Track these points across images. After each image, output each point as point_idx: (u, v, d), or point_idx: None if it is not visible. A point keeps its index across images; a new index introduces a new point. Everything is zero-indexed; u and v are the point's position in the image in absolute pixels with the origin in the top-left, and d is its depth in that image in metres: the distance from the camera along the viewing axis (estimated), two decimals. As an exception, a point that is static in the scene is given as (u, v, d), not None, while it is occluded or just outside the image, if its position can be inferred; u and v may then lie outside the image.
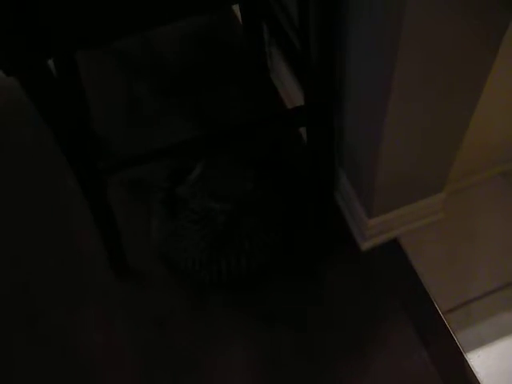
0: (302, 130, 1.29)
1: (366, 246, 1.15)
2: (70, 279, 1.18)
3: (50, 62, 1.07)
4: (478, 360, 1.03)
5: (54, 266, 1.19)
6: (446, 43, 0.76)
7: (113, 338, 1.10)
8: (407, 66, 0.77)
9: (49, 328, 1.12)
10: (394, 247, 1.16)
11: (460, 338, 1.06)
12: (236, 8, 1.50)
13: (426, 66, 0.79)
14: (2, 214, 1.28)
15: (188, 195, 1.13)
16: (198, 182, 1.13)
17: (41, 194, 1.30)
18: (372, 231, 1.12)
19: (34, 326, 1.12)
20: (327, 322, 1.10)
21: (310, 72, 0.91)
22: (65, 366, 1.08)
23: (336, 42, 0.89)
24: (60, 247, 1.22)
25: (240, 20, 1.46)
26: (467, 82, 0.86)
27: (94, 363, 1.08)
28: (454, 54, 0.79)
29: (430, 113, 0.89)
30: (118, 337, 1.10)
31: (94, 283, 1.16)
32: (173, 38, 1.51)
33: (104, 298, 1.14)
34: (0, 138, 1.39)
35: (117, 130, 1.37)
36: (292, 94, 1.32)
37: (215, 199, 1.10)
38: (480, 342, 1.06)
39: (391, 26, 0.73)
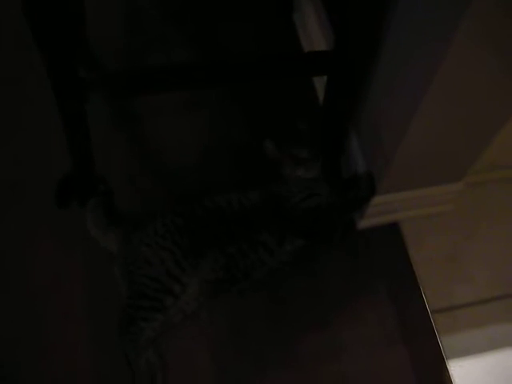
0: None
1: (362, 224, 1.05)
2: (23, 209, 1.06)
3: None
4: (460, 371, 0.95)
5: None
6: None
7: (68, 271, 1.01)
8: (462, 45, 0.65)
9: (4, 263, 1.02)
10: (392, 231, 1.07)
11: (445, 342, 0.98)
12: None
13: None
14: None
15: None
16: None
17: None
18: (373, 210, 1.01)
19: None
20: (309, 295, 1.01)
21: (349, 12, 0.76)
22: (19, 298, 0.99)
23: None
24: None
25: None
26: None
27: (48, 294, 0.99)
28: None
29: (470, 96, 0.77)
30: (74, 269, 1.01)
31: (52, 213, 1.04)
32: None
33: (62, 230, 1.04)
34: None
35: (112, 42, 1.23)
36: (314, 38, 1.19)
37: None
38: (465, 352, 0.98)
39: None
